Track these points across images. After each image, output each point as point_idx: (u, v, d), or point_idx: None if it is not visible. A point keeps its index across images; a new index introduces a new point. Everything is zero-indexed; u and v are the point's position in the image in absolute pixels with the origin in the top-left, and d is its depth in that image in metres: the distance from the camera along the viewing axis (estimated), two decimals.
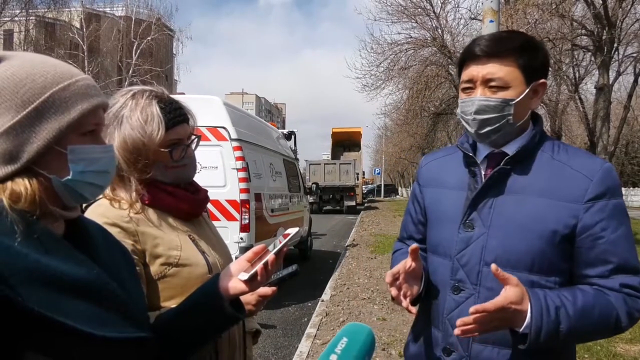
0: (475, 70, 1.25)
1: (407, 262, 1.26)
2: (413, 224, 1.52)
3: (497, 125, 1.25)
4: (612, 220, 1.20)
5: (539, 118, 1.35)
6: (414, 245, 1.25)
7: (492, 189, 1.28)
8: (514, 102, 1.23)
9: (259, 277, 1.04)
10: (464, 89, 1.30)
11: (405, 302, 1.26)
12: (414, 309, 1.26)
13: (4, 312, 0.69)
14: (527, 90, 1.24)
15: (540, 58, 1.27)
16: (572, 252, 1.23)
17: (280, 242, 1.08)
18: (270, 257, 1.06)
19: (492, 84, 1.24)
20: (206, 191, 1.45)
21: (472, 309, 1.09)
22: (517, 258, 1.22)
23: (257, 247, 1.07)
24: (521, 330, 1.13)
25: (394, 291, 1.27)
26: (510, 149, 1.29)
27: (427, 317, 1.37)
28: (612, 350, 4.49)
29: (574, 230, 1.20)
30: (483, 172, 1.33)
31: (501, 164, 1.26)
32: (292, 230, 1.13)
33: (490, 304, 1.09)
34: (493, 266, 1.10)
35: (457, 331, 1.12)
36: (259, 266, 1.04)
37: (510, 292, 1.10)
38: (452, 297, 1.30)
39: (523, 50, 1.23)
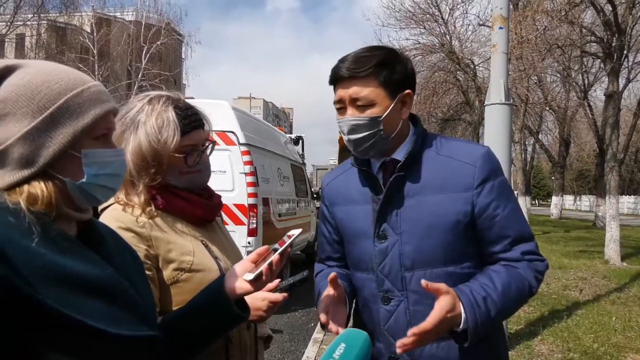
0: (342, 92, 1.32)
1: (330, 292, 1.31)
2: (328, 244, 1.56)
3: (371, 141, 1.32)
4: (501, 198, 1.32)
5: (417, 119, 1.43)
6: (332, 274, 1.29)
7: (393, 197, 1.35)
8: (381, 118, 1.30)
9: (263, 277, 1.06)
10: (338, 109, 1.36)
11: (334, 327, 1.28)
12: (340, 329, 1.28)
13: (22, 308, 0.71)
14: (393, 104, 1.31)
15: (401, 71, 1.33)
16: (476, 236, 1.33)
17: (284, 243, 1.11)
18: (274, 257, 1.08)
19: (359, 103, 1.30)
20: (220, 196, 1.45)
21: (410, 332, 1.13)
22: (431, 256, 1.31)
23: (261, 249, 1.10)
24: (460, 328, 1.19)
25: (323, 318, 1.30)
26: (399, 155, 1.36)
27: (367, 330, 1.38)
28: (622, 359, 4.45)
29: (473, 216, 1.31)
30: (381, 182, 1.38)
31: (395, 172, 1.33)
32: (296, 232, 1.16)
33: (427, 323, 1.14)
34: (423, 282, 1.16)
35: (399, 350, 1.15)
36: (263, 266, 1.06)
37: (443, 302, 1.16)
38: (384, 308, 1.35)
39: (382, 67, 1.29)
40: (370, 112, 1.30)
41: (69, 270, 0.78)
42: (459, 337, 1.22)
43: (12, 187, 0.81)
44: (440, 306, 1.16)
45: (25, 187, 0.81)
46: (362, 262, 1.39)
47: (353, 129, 1.31)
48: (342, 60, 1.33)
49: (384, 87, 1.30)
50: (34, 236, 0.77)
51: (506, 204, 1.32)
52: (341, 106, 1.34)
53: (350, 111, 1.31)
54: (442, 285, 1.18)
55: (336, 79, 1.34)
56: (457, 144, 1.40)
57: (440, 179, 1.32)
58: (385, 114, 1.30)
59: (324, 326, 1.32)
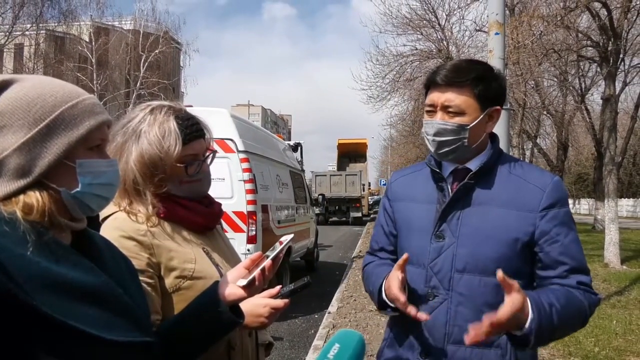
0: (436, 97, 1.39)
1: (399, 274, 1.34)
2: (385, 235, 1.60)
3: (454, 146, 1.38)
4: (564, 226, 1.35)
5: (496, 137, 1.49)
6: (405, 255, 1.34)
7: (458, 201, 1.40)
8: (468, 127, 1.37)
9: (256, 283, 1.08)
10: (427, 112, 1.43)
11: (414, 310, 1.31)
12: (423, 314, 1.31)
13: (18, 315, 0.72)
14: (481, 117, 1.38)
15: (495, 88, 1.40)
16: (533, 256, 1.36)
17: (276, 249, 1.13)
18: (267, 262, 1.10)
19: (450, 109, 1.37)
20: (220, 204, 1.47)
21: (487, 321, 1.14)
22: (484, 264, 1.33)
23: (254, 255, 1.12)
24: (523, 330, 1.19)
25: (403, 298, 1.31)
26: (473, 165, 1.42)
27: (402, 323, 1.43)
28: None
29: (533, 237, 1.34)
30: (450, 187, 1.44)
31: (466, 178, 1.39)
32: (287, 237, 1.17)
33: (503, 313, 1.14)
34: (499, 272, 1.15)
35: (468, 340, 1.17)
36: (256, 272, 1.08)
37: (515, 298, 1.17)
38: (427, 304, 1.38)
39: (479, 81, 1.36)
40: (459, 120, 1.37)
41: (63, 278, 0.80)
42: (518, 341, 1.23)
43: (8, 197, 0.82)
44: (513, 302, 1.16)
45: (21, 197, 0.83)
46: (415, 256, 1.41)
47: (439, 132, 1.38)
48: (440, 67, 1.41)
49: (477, 99, 1.37)
50: (28, 245, 0.78)
51: (568, 232, 1.35)
52: (431, 109, 1.41)
53: (440, 115, 1.38)
54: (516, 283, 1.19)
55: (431, 84, 1.41)
56: (530, 168, 1.46)
57: (507, 194, 1.37)
58: (473, 124, 1.37)
59: (390, 310, 1.35)
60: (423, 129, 1.43)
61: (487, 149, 1.45)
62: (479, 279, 1.33)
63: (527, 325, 1.19)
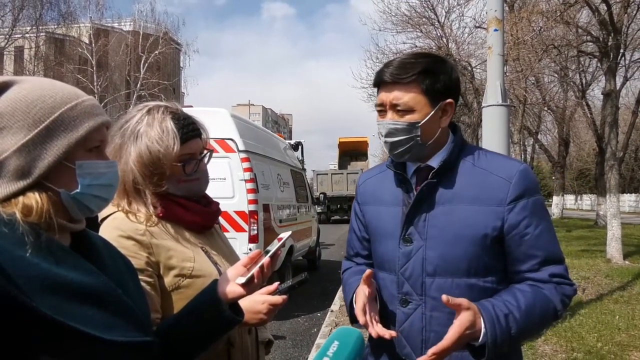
0: (384, 96, 1.34)
1: (365, 290, 1.32)
2: (358, 240, 1.58)
3: (407, 146, 1.33)
4: (534, 217, 1.30)
5: (457, 128, 1.44)
6: (368, 271, 1.31)
7: (423, 202, 1.35)
8: (419, 124, 1.32)
9: (255, 280, 1.08)
10: (379, 112, 1.38)
11: (376, 328, 1.30)
12: (386, 332, 1.30)
13: (18, 316, 0.73)
14: (432, 112, 1.33)
15: (444, 80, 1.33)
16: (503, 251, 1.32)
17: (275, 246, 1.13)
18: (265, 260, 1.10)
19: (399, 108, 1.32)
20: (218, 204, 1.47)
21: (430, 352, 1.15)
22: (455, 265, 1.30)
23: (253, 253, 1.12)
24: (478, 343, 1.19)
25: (362, 320, 1.31)
26: (434, 162, 1.37)
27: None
28: (627, 358, 4.44)
29: (502, 231, 1.30)
30: (414, 187, 1.39)
31: (428, 178, 1.34)
32: (285, 234, 1.18)
33: (446, 341, 1.15)
34: (444, 297, 1.15)
35: None
36: (255, 270, 1.08)
37: (463, 318, 1.17)
38: (401, 310, 1.36)
39: (425, 75, 1.31)
40: (409, 118, 1.32)
41: (62, 279, 0.80)
42: (476, 352, 1.21)
43: (7, 199, 0.83)
44: (461, 323, 1.16)
45: (20, 199, 0.83)
46: (386, 262, 1.41)
47: (391, 133, 1.33)
48: (387, 65, 1.36)
49: (426, 95, 1.31)
50: (27, 246, 0.79)
51: (538, 223, 1.30)
52: (382, 109, 1.36)
53: (390, 115, 1.34)
54: (464, 301, 1.18)
55: (379, 83, 1.36)
56: (495, 157, 1.40)
57: (473, 190, 1.32)
58: (424, 120, 1.32)
59: (363, 326, 1.32)
60: (377, 130, 1.39)
61: (448, 143, 1.39)
62: (451, 280, 1.30)
63: (480, 340, 1.18)
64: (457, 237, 1.30)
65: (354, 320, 1.40)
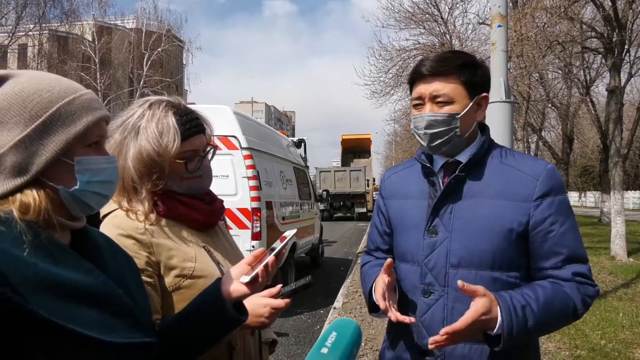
0: (423, 88, 1.37)
1: (385, 278, 1.34)
2: (379, 235, 1.59)
3: (446, 137, 1.36)
4: (560, 215, 1.31)
5: (486, 127, 1.46)
6: (389, 260, 1.34)
7: (450, 195, 1.38)
8: (459, 115, 1.35)
9: (260, 279, 1.06)
10: (415, 106, 1.41)
11: (395, 313, 1.33)
12: (406, 318, 1.32)
13: (14, 318, 0.71)
14: (470, 104, 1.36)
15: (480, 74, 1.39)
16: (527, 247, 1.33)
17: (279, 245, 1.12)
18: (270, 258, 1.08)
19: (439, 99, 1.35)
20: (222, 201, 1.44)
21: (443, 331, 1.17)
22: (479, 258, 1.31)
23: (257, 251, 1.10)
24: (494, 332, 1.20)
25: (382, 304, 1.33)
26: (463, 158, 1.40)
27: (400, 324, 1.41)
28: (630, 355, 4.42)
29: (527, 227, 1.31)
30: (441, 181, 1.42)
31: (456, 171, 1.37)
32: (290, 233, 1.16)
33: (460, 323, 1.16)
34: (459, 282, 1.17)
35: (430, 346, 1.20)
36: (259, 268, 1.06)
37: (479, 304, 1.18)
38: (423, 301, 1.37)
39: (464, 68, 1.35)
40: (449, 109, 1.35)
41: (61, 279, 0.78)
42: (492, 341, 1.22)
43: (4, 196, 0.80)
44: (476, 308, 1.17)
45: (18, 196, 0.80)
46: (409, 253, 1.42)
47: (430, 124, 1.35)
48: (424, 60, 1.39)
49: (465, 87, 1.35)
50: (24, 245, 0.76)
51: (564, 221, 1.31)
52: (419, 102, 1.39)
53: (429, 107, 1.36)
54: (480, 288, 1.19)
55: (417, 77, 1.39)
56: (522, 157, 1.42)
57: (500, 185, 1.34)
58: (463, 112, 1.35)
59: (382, 312, 1.34)
60: (412, 124, 1.41)
61: (477, 140, 1.42)
62: (475, 273, 1.31)
63: (495, 329, 1.19)
64: (482, 230, 1.31)
65: (372, 310, 1.43)
